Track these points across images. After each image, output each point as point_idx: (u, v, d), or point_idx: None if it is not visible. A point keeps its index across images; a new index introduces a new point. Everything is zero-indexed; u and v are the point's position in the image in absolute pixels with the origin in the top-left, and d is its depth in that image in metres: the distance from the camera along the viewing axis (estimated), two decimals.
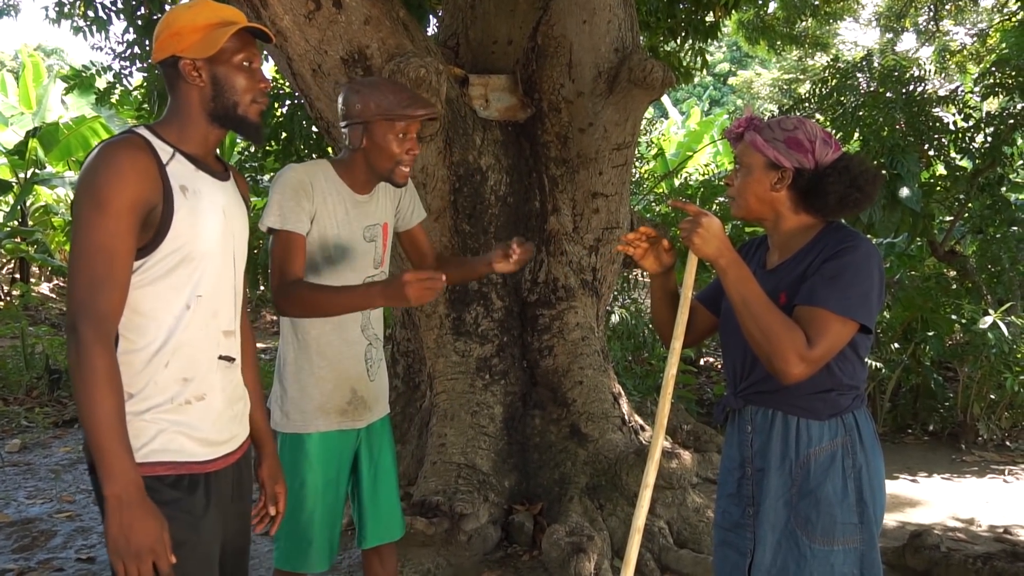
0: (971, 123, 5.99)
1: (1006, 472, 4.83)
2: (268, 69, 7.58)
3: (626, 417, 3.92)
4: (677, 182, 8.62)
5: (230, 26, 1.56)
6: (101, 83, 7.11)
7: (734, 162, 1.87)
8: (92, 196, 1.45)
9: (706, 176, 9.60)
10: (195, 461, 1.56)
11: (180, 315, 1.55)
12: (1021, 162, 6.84)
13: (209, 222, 1.58)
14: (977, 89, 6.24)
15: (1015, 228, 6.17)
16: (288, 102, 6.23)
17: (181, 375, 1.56)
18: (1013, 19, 10.10)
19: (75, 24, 6.04)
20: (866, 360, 1.84)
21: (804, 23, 10.83)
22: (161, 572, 1.43)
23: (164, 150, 1.55)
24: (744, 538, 1.78)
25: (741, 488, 1.81)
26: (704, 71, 7.89)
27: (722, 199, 8.07)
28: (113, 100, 7.21)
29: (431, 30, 5.64)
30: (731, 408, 1.87)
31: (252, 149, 6.58)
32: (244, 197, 1.78)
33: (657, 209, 7.94)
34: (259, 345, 9.34)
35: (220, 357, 1.63)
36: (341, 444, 2.20)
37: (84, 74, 7.01)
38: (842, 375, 1.72)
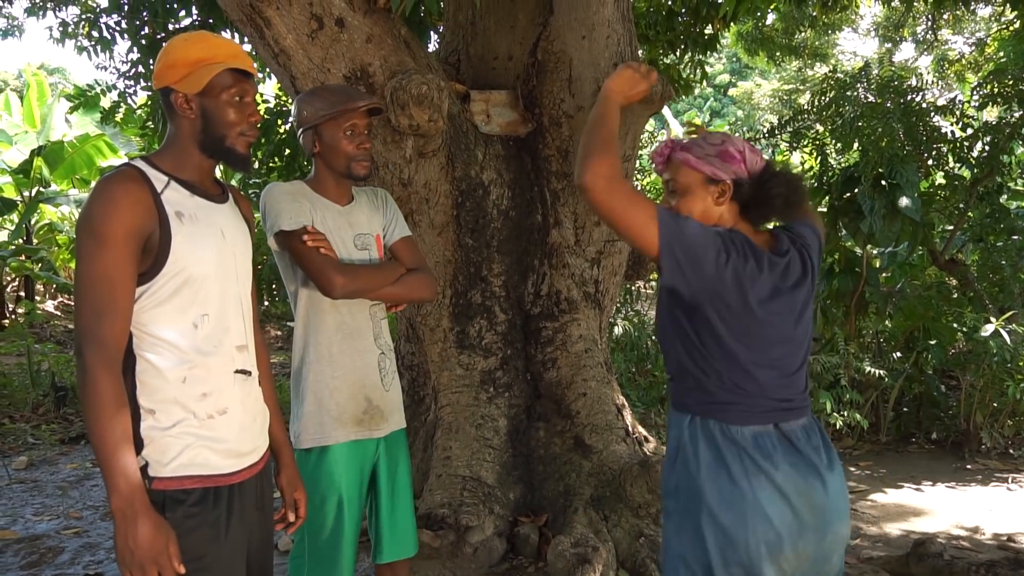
0: (969, 132, 6.02)
1: (1009, 480, 4.84)
2: (272, 87, 7.64)
3: (630, 428, 3.94)
4: None
5: (219, 64, 1.63)
6: (105, 102, 7.18)
7: (665, 188, 1.89)
8: (90, 229, 1.53)
9: None
10: (221, 474, 1.63)
11: (189, 333, 1.62)
12: (1020, 171, 6.86)
13: (207, 244, 1.65)
14: (975, 99, 6.28)
15: (1016, 237, 6.20)
16: (291, 119, 6.29)
17: (200, 390, 1.62)
18: (1011, 28, 10.15)
19: (79, 44, 6.11)
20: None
21: (803, 34, 10.90)
22: None
23: (159, 179, 1.62)
24: None
25: None
26: (704, 83, 7.95)
27: None
28: (118, 119, 7.28)
29: (432, 47, 5.70)
30: None
31: (256, 166, 6.62)
32: (246, 216, 1.85)
33: None
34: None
35: (236, 371, 1.70)
36: (361, 456, 2.22)
37: (89, 93, 7.08)
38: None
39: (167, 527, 1.50)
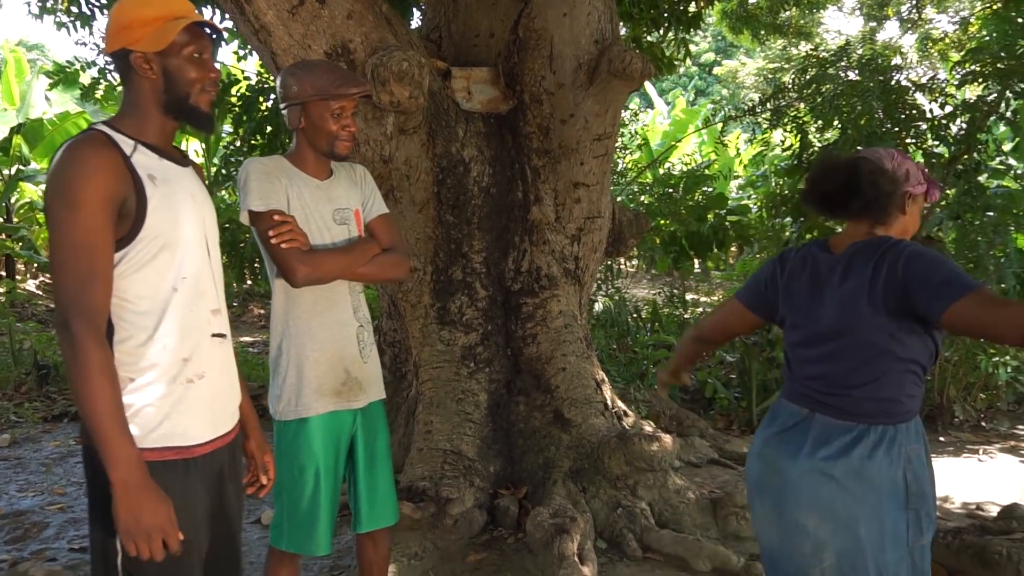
0: (948, 111, 6.08)
1: (980, 452, 4.95)
2: (254, 63, 7.59)
3: (609, 402, 4.00)
4: (660, 171, 8.69)
5: (180, 20, 1.59)
6: (85, 79, 7.12)
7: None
8: (64, 196, 1.48)
9: (690, 166, 9.68)
10: (198, 443, 1.62)
11: (169, 298, 1.60)
12: (996, 149, 6.93)
13: (183, 207, 1.63)
14: (956, 77, 6.32)
15: (991, 214, 6.27)
16: (273, 96, 6.26)
17: (180, 356, 1.60)
18: (994, 6, 10.20)
19: (58, 19, 6.05)
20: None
21: (788, 12, 10.90)
22: (171, 548, 1.50)
23: (126, 143, 1.58)
24: None
25: None
26: (687, 61, 7.96)
27: (708, 189, 8.16)
28: (98, 95, 7.22)
29: (414, 23, 5.69)
30: None
31: (238, 144, 6.60)
32: (203, 182, 1.83)
33: (642, 199, 8.02)
34: (247, 339, 9.38)
35: (214, 335, 1.69)
36: (338, 426, 2.25)
37: (68, 69, 7.02)
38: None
39: (166, 496, 1.50)
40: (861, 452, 1.81)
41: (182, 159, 1.73)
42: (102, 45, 6.18)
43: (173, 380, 1.60)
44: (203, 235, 1.70)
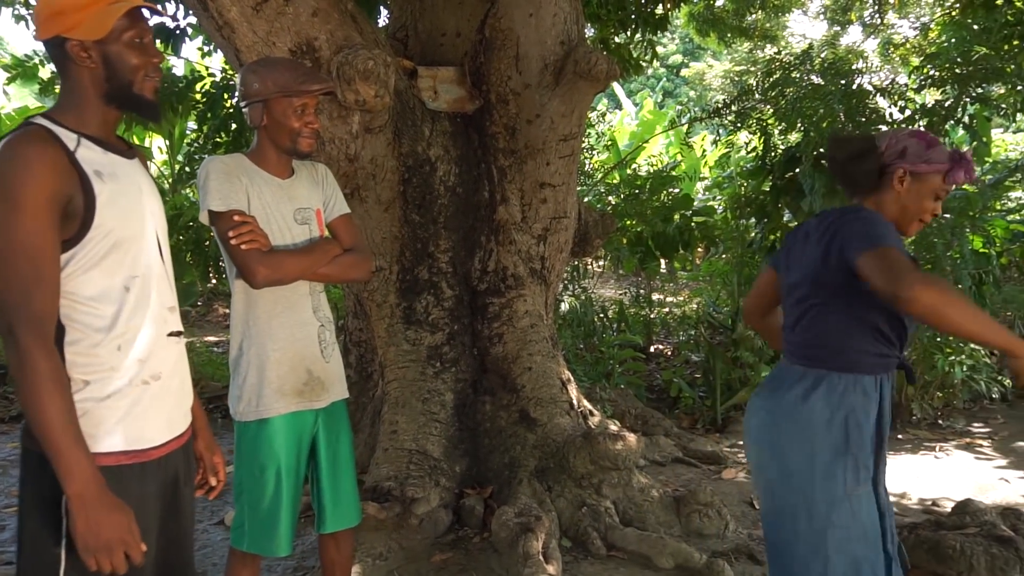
0: (906, 115, 6.20)
1: (937, 449, 5.06)
2: (218, 60, 7.51)
3: (574, 402, 4.02)
4: (627, 172, 8.75)
5: (118, 4, 1.50)
6: (45, 73, 6.98)
7: (937, 195, 2.06)
8: (5, 196, 1.40)
9: (657, 167, 9.75)
10: (153, 447, 1.58)
11: (122, 298, 1.54)
12: None
13: (132, 203, 1.57)
14: (914, 81, 6.45)
15: (948, 216, 6.42)
16: (238, 88, 6.19)
17: (136, 356, 1.56)
18: (953, 12, 10.41)
19: (16, 12, 5.93)
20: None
21: (753, 16, 11.03)
22: (133, 560, 1.45)
23: (69, 137, 1.50)
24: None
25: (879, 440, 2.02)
26: (655, 63, 8.02)
27: (674, 189, 8.24)
28: (57, 90, 7.07)
29: (380, 22, 5.66)
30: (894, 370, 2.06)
31: (202, 141, 6.52)
32: (148, 171, 1.75)
33: (609, 200, 8.06)
34: (211, 338, 9.25)
35: (170, 334, 1.64)
36: (300, 426, 2.24)
37: (27, 63, 6.88)
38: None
39: (125, 506, 1.45)
40: (797, 392, 2.01)
41: (127, 150, 1.65)
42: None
43: (129, 382, 1.55)
44: (154, 230, 1.63)
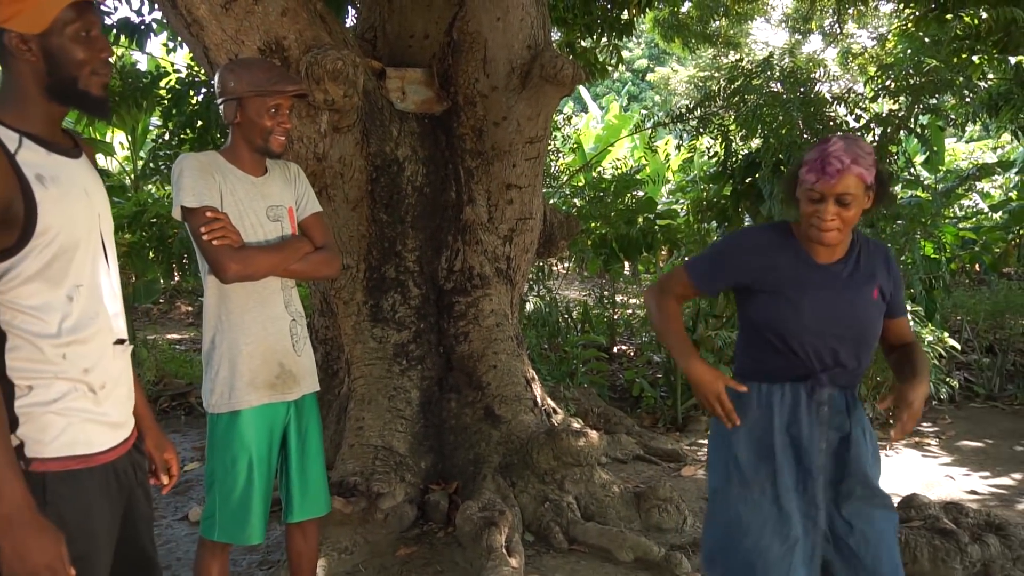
0: (862, 123, 6.39)
1: (887, 447, 5.22)
2: (183, 56, 7.46)
3: (538, 400, 4.10)
4: (592, 175, 8.86)
5: None
6: None
7: (835, 201, 1.90)
8: None
9: (622, 171, 9.88)
10: (102, 451, 1.54)
11: (65, 308, 1.47)
12: (906, 161, 7.28)
13: (75, 208, 1.48)
14: (871, 91, 6.65)
15: (901, 222, 6.62)
16: (204, 90, 6.17)
17: (82, 366, 1.50)
18: (908, 24, 10.71)
19: None
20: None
21: (717, 22, 11.23)
22: None
23: (9, 137, 1.41)
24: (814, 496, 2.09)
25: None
26: (620, 67, 8.15)
27: (639, 193, 8.37)
28: None
29: (349, 22, 5.69)
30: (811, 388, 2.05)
31: (167, 137, 6.47)
32: (95, 166, 1.66)
33: (575, 202, 8.16)
34: (174, 336, 9.17)
35: (116, 342, 1.58)
36: (272, 417, 2.29)
37: None
38: None
39: (55, 529, 1.36)
40: None
41: (72, 148, 1.55)
42: None
43: (75, 389, 1.49)
44: (99, 234, 1.56)
